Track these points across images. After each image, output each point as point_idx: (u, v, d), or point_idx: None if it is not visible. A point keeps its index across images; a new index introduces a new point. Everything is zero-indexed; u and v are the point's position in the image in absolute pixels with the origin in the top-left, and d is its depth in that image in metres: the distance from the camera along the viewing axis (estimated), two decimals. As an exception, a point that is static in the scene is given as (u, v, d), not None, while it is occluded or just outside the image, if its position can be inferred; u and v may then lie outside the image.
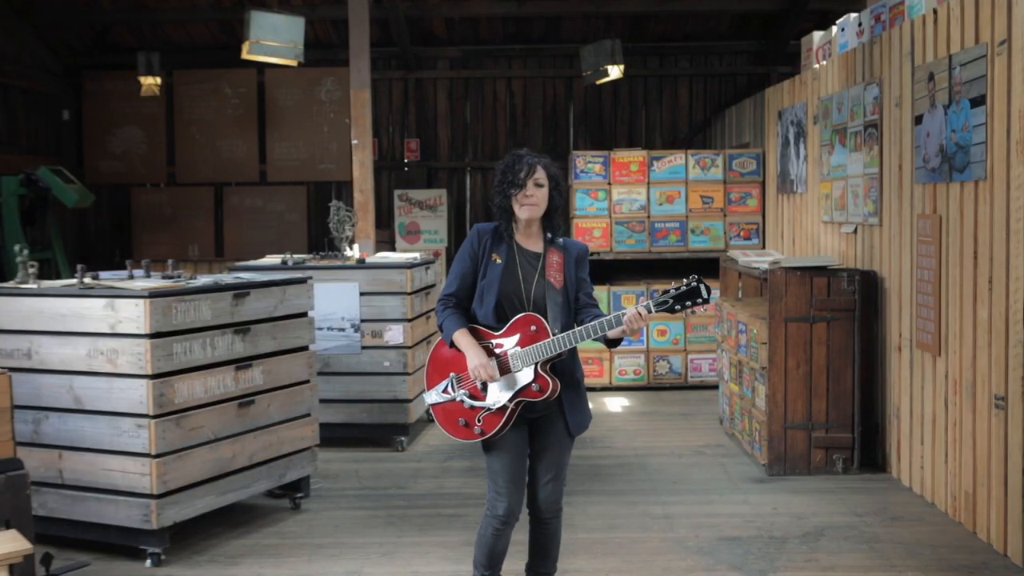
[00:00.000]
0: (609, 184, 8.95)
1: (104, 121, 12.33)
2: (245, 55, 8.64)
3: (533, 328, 3.68)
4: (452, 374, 3.80)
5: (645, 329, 8.77)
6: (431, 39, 12.14)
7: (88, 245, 12.34)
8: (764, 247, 8.89)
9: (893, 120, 5.90)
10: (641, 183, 8.94)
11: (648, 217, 8.94)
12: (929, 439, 5.44)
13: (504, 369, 3.70)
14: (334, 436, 6.66)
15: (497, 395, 3.70)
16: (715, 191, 8.96)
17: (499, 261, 3.77)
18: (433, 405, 3.86)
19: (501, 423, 3.70)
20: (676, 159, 9.00)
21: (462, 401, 3.76)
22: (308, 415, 5.53)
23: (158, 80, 11.28)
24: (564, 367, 3.77)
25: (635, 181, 8.94)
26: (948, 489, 5.21)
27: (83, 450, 4.72)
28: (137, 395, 4.58)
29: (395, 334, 6.69)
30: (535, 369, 3.67)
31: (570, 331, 3.65)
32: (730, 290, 7.96)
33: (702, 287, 3.58)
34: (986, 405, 4.80)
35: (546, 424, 3.82)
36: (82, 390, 4.70)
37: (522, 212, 3.73)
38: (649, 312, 3.55)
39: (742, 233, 8.98)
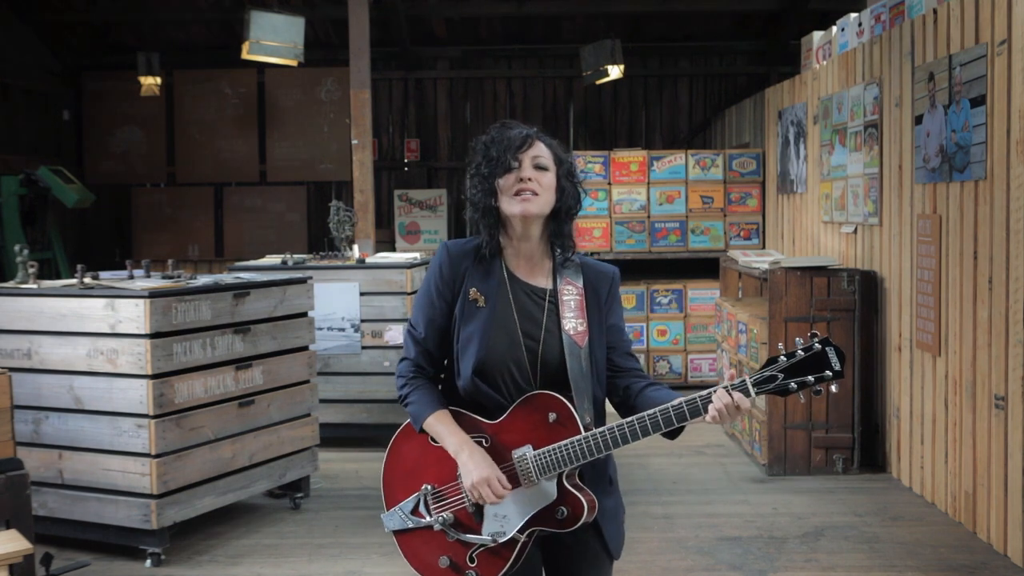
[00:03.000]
0: (609, 184, 8.94)
1: (104, 121, 12.32)
2: (245, 55, 8.64)
3: (553, 417, 2.40)
4: (426, 486, 2.51)
5: (645, 329, 8.77)
6: (431, 39, 12.13)
7: (88, 245, 12.34)
8: (764, 247, 8.89)
9: (893, 120, 5.90)
10: (641, 183, 8.94)
11: (648, 217, 8.94)
12: (929, 439, 5.44)
13: (511, 482, 2.41)
14: (334, 436, 6.66)
15: (500, 522, 2.41)
16: (715, 191, 8.96)
17: (483, 304, 2.46)
18: (397, 533, 2.54)
19: (508, 565, 2.42)
20: (676, 159, 9.00)
21: (444, 531, 2.45)
22: (308, 415, 5.54)
23: (158, 80, 11.27)
24: (594, 464, 2.48)
25: (635, 181, 8.94)
26: (948, 489, 5.21)
27: (83, 450, 4.72)
28: (137, 395, 4.58)
29: (395, 334, 6.69)
30: (559, 483, 2.40)
31: (617, 424, 2.38)
32: (730, 290, 7.96)
33: (830, 352, 2.28)
34: (986, 405, 4.80)
35: (571, 544, 2.52)
36: (82, 390, 4.70)
37: (514, 206, 2.42)
38: (748, 396, 2.33)
39: (742, 233, 8.97)
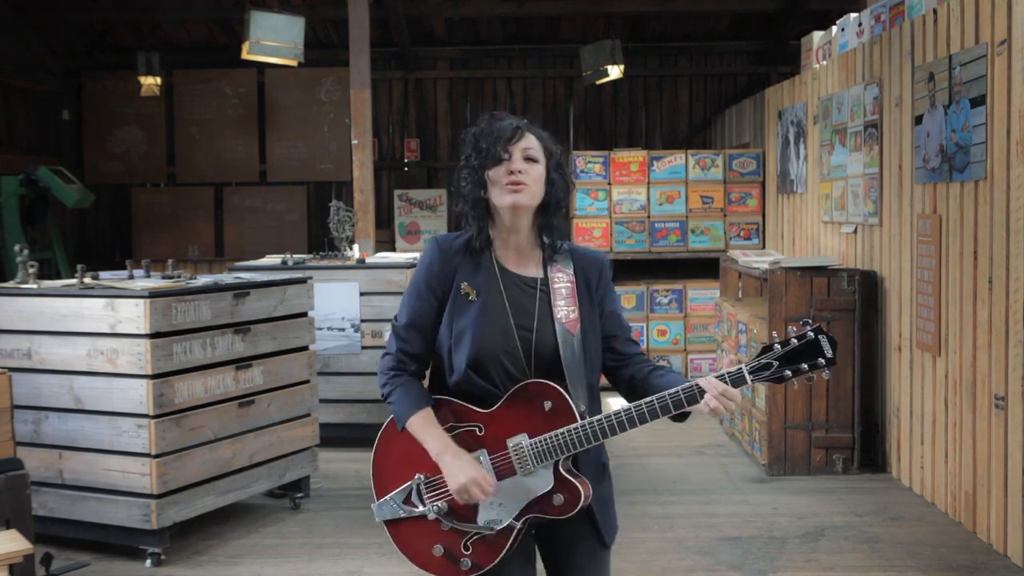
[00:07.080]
0: (609, 184, 8.94)
1: (104, 121, 12.33)
2: (245, 55, 8.64)
3: (548, 406, 2.35)
4: (419, 476, 2.43)
5: (645, 329, 8.77)
6: (431, 39, 12.14)
7: (88, 245, 12.34)
8: (764, 247, 8.89)
9: (893, 120, 5.90)
10: (641, 183, 8.94)
11: (648, 217, 8.94)
12: (929, 439, 5.44)
13: (505, 471, 2.37)
14: (334, 436, 6.66)
15: (496, 510, 2.36)
16: (715, 191, 8.96)
17: (474, 297, 2.41)
18: (388, 523, 2.48)
19: (504, 551, 2.38)
20: (676, 159, 9.00)
21: (438, 520, 2.40)
22: (308, 415, 5.54)
23: (158, 80, 11.28)
24: (588, 450, 2.39)
25: (635, 181, 8.94)
26: (948, 489, 5.21)
27: (83, 450, 4.72)
28: (137, 395, 4.58)
29: (395, 334, 6.68)
30: (555, 470, 2.34)
31: (614, 413, 2.31)
32: (730, 290, 7.96)
33: (823, 340, 2.30)
34: (986, 405, 4.80)
35: (566, 533, 2.48)
36: (82, 390, 4.70)
37: (504, 198, 2.37)
38: (743, 384, 2.35)
39: (742, 233, 8.97)
